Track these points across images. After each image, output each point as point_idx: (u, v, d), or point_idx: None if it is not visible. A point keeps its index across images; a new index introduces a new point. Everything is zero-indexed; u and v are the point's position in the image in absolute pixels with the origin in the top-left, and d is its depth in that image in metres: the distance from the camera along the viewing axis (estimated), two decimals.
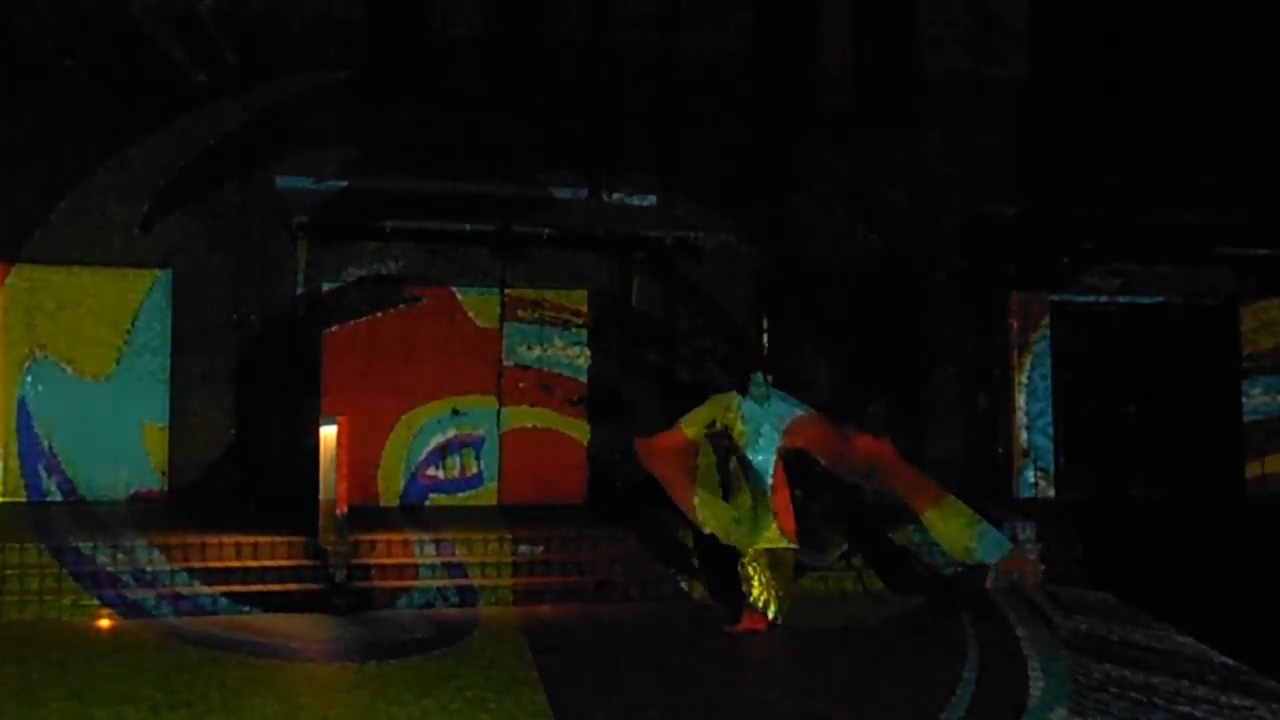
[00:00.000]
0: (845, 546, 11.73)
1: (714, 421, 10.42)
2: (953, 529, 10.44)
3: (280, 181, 13.46)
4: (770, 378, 10.43)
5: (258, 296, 13.62)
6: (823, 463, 10.56)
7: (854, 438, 10.66)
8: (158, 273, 13.55)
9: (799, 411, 10.46)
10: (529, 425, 14.26)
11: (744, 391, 10.35)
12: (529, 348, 14.33)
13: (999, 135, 15.45)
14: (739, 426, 10.23)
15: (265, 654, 8.98)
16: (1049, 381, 15.25)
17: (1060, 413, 15.25)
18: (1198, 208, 15.45)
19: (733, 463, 10.43)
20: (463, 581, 11.00)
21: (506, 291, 14.26)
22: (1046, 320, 15.33)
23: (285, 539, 11.04)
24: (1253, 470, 15.57)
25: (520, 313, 14.33)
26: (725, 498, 10.42)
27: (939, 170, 15.31)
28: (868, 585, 11.77)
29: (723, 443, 10.48)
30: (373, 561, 11.03)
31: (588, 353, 14.47)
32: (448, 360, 14.07)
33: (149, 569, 10.48)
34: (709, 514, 10.29)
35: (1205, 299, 15.78)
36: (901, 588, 11.76)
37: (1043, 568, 12.18)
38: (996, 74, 15.47)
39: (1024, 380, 15.20)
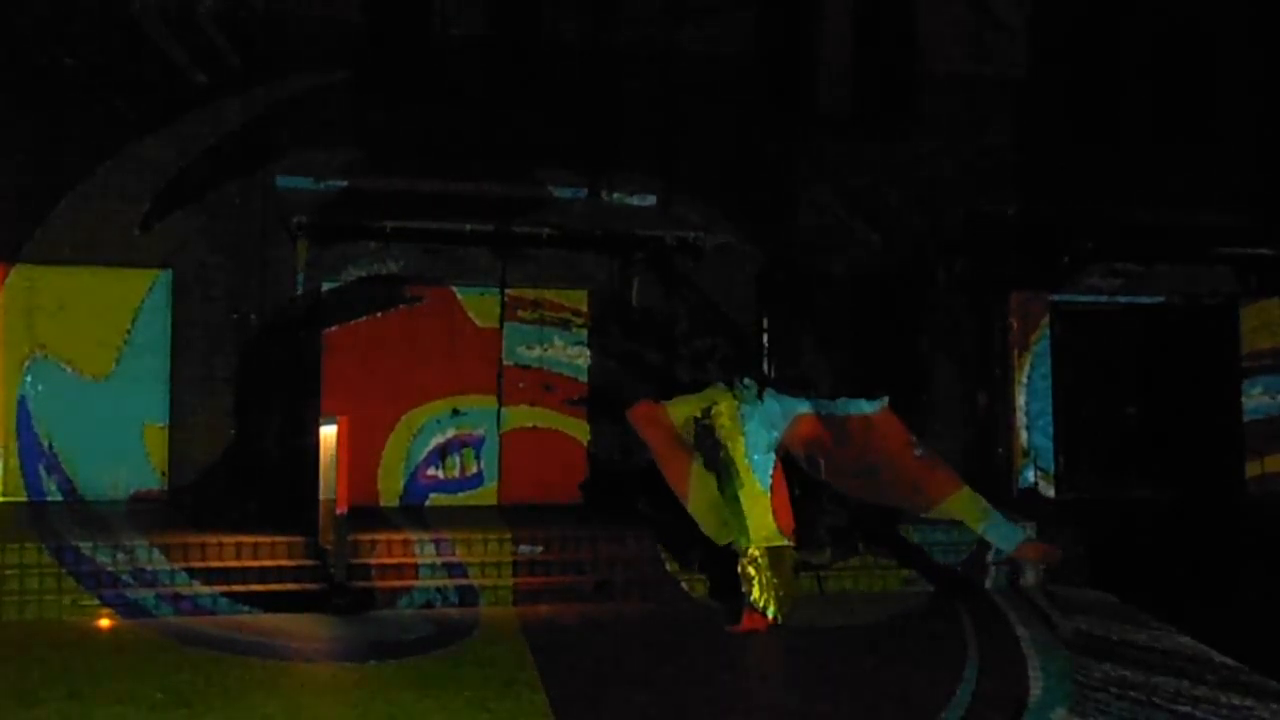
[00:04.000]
0: (839, 545, 11.73)
1: (708, 409, 10.42)
2: (969, 510, 10.50)
3: (280, 181, 13.45)
4: (753, 381, 10.45)
5: (258, 296, 13.61)
6: (822, 465, 10.55)
7: (854, 417, 10.62)
8: (158, 273, 13.54)
9: (799, 409, 10.44)
10: (529, 425, 14.26)
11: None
12: (529, 348, 14.33)
13: (999, 135, 15.45)
14: (722, 421, 10.25)
15: (265, 654, 8.98)
16: (1049, 381, 15.25)
17: (1060, 413, 15.25)
18: (1198, 208, 15.45)
19: (721, 454, 10.41)
20: (463, 581, 11.00)
21: (506, 291, 14.26)
22: (1046, 320, 15.33)
23: (285, 539, 11.04)
24: (1253, 470, 15.57)
25: (520, 313, 14.33)
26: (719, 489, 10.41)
27: (939, 170, 15.30)
28: (868, 585, 11.77)
29: (709, 437, 10.46)
30: (373, 561, 11.03)
31: (588, 353, 14.47)
32: (448, 360, 14.07)
33: (149, 569, 10.48)
34: (701, 498, 10.26)
35: (1205, 299, 15.78)
36: (902, 587, 11.76)
37: (1043, 567, 12.18)
38: (996, 74, 15.47)
39: (1024, 380, 15.20)
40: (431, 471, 14.03)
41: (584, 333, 14.47)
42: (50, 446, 13.14)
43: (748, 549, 10.12)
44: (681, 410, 10.52)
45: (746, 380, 10.41)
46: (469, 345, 14.16)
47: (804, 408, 10.50)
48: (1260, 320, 15.85)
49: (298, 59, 13.63)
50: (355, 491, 11.43)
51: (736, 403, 10.30)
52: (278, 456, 13.15)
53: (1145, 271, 15.54)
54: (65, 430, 13.15)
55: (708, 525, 10.32)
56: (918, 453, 10.70)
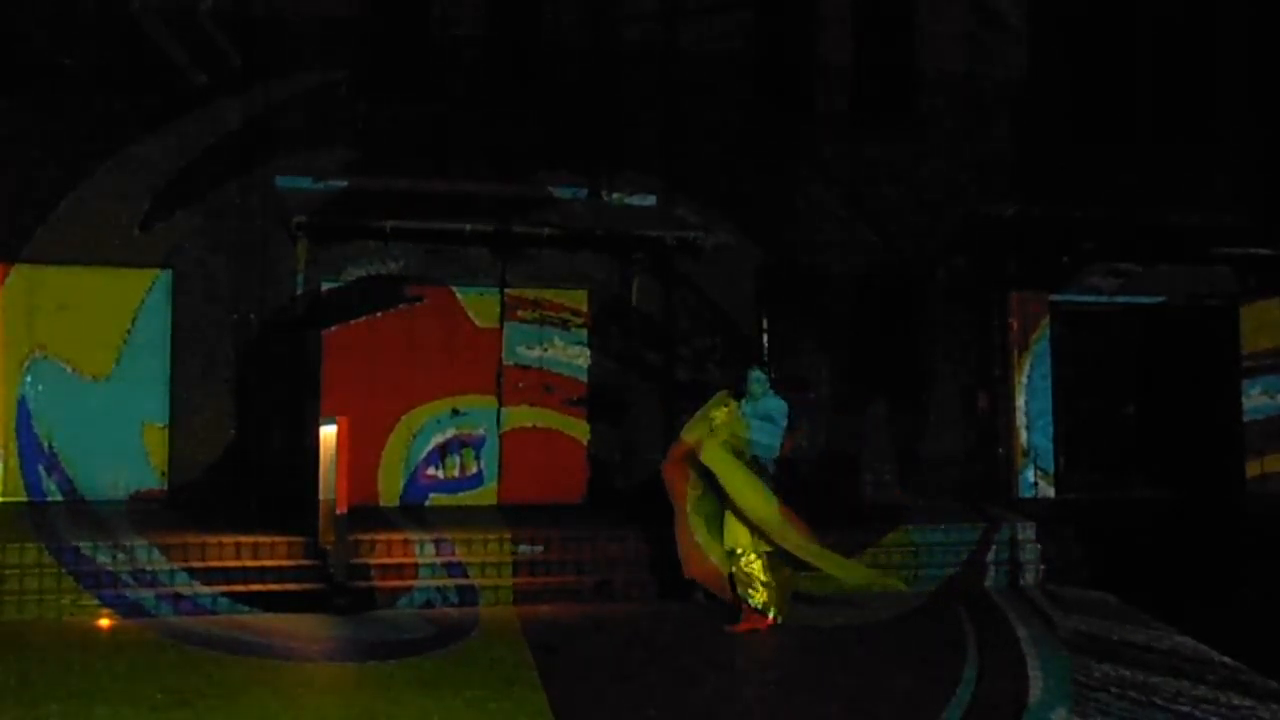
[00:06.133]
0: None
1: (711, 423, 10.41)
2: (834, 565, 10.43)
3: (280, 181, 13.46)
4: (765, 373, 10.40)
5: (258, 296, 13.62)
6: None
7: None
8: (158, 273, 13.56)
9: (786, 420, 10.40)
10: (529, 425, 14.27)
11: (738, 392, 10.33)
12: (529, 348, 14.34)
13: (999, 135, 15.47)
14: (720, 430, 10.21)
15: (265, 654, 8.97)
16: (1049, 381, 15.27)
17: (1060, 413, 15.26)
18: (1198, 208, 15.47)
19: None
20: (463, 581, 10.99)
21: (506, 291, 14.27)
22: (1046, 320, 15.34)
23: (285, 539, 11.04)
24: (1253, 470, 15.59)
25: (520, 313, 14.34)
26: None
27: (939, 170, 15.32)
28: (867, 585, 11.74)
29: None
30: (373, 561, 11.03)
31: (588, 353, 14.47)
32: (448, 360, 14.07)
33: (149, 569, 10.48)
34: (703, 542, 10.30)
35: (1205, 299, 15.80)
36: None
37: (1043, 567, 12.21)
38: (996, 74, 15.48)
39: (1024, 380, 15.21)
40: (431, 471, 14.03)
41: (584, 333, 14.48)
42: (50, 446, 13.15)
43: (747, 550, 10.10)
44: (695, 433, 10.47)
45: (759, 373, 10.35)
46: (469, 345, 14.17)
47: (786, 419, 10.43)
48: (1260, 320, 15.87)
49: (298, 59, 13.65)
50: (355, 491, 11.43)
51: (735, 404, 10.27)
52: (278, 456, 13.17)
53: (1145, 271, 15.55)
54: (65, 430, 13.16)
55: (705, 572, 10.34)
56: None
